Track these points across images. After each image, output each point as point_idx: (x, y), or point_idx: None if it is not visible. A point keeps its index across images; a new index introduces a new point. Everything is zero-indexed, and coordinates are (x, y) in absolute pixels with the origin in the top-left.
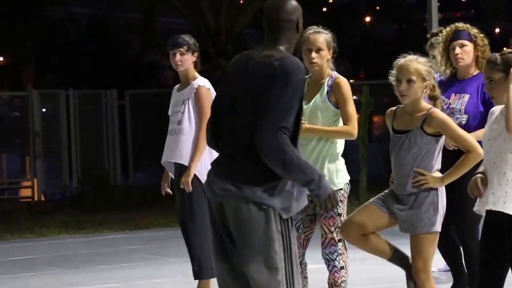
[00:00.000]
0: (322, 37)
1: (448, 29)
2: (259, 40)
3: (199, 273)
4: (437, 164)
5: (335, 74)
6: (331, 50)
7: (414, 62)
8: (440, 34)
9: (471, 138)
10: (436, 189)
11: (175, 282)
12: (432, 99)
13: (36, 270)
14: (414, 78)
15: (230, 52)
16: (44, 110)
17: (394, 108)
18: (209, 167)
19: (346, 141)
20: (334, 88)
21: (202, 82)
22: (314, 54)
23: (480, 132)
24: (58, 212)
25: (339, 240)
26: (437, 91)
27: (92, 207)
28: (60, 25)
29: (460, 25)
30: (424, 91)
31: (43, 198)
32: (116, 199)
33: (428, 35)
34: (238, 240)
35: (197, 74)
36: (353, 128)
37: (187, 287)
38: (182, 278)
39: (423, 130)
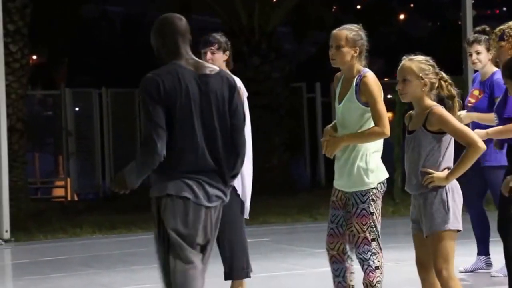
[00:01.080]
0: (344, 34)
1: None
2: (291, 38)
3: (230, 274)
4: (446, 162)
5: (364, 71)
6: (356, 48)
7: (408, 61)
8: (485, 31)
9: (471, 132)
10: (444, 187)
11: (209, 283)
12: (449, 98)
13: (69, 270)
14: (408, 77)
15: (263, 50)
16: (77, 109)
17: (412, 111)
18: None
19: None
20: (361, 86)
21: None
22: (333, 51)
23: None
24: (91, 212)
25: (373, 240)
26: (450, 90)
27: (124, 207)
28: (94, 24)
29: None
30: (423, 89)
31: (76, 198)
32: (149, 199)
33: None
34: None
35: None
36: (384, 127)
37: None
38: (216, 279)
39: (425, 129)
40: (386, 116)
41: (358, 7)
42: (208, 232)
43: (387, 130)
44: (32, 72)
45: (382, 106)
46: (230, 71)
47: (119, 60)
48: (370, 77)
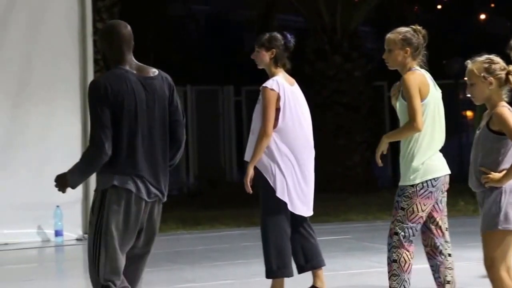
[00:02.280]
0: (391, 37)
1: None
2: (373, 37)
3: (269, 273)
4: (505, 163)
5: (411, 70)
6: (407, 48)
7: (470, 65)
8: None
9: None
10: (501, 188)
11: (290, 280)
12: None
13: (154, 266)
14: (473, 80)
15: (345, 49)
16: None
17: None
18: (285, 168)
19: (462, 139)
20: (402, 84)
21: (269, 82)
22: (385, 55)
23: None
24: (175, 208)
25: (395, 233)
26: None
27: (208, 203)
28: (179, 22)
29: None
30: (490, 87)
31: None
32: (232, 195)
33: None
34: None
35: (276, 72)
36: (414, 122)
37: (303, 285)
38: (297, 276)
39: (488, 128)
40: (419, 111)
41: (439, 7)
42: (144, 227)
43: (418, 125)
44: None
45: (414, 103)
46: (288, 69)
47: (204, 58)
48: (409, 75)
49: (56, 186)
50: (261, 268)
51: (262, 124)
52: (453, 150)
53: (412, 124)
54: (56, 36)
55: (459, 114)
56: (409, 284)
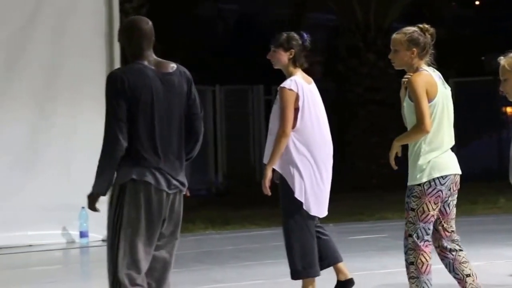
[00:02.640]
0: (397, 38)
1: None
2: None
3: (294, 273)
4: None
5: (419, 70)
6: (413, 49)
7: (502, 61)
8: None
9: None
10: None
11: (321, 280)
12: None
13: (182, 266)
14: (505, 76)
15: (379, 47)
16: None
17: None
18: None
19: (502, 135)
20: (408, 86)
21: (287, 82)
22: (390, 55)
23: None
24: (203, 208)
25: (409, 235)
26: None
27: (237, 202)
28: (208, 22)
29: None
30: None
31: (188, 194)
32: (262, 194)
33: None
34: None
35: (294, 72)
36: (422, 124)
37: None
38: (331, 275)
39: None
40: (426, 114)
41: (477, 3)
42: (167, 217)
43: (426, 128)
44: None
45: (422, 105)
46: (306, 69)
47: (233, 58)
48: (415, 76)
49: (89, 208)
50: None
51: (280, 124)
52: (493, 146)
53: (420, 127)
54: (83, 37)
55: (498, 110)
56: (430, 284)
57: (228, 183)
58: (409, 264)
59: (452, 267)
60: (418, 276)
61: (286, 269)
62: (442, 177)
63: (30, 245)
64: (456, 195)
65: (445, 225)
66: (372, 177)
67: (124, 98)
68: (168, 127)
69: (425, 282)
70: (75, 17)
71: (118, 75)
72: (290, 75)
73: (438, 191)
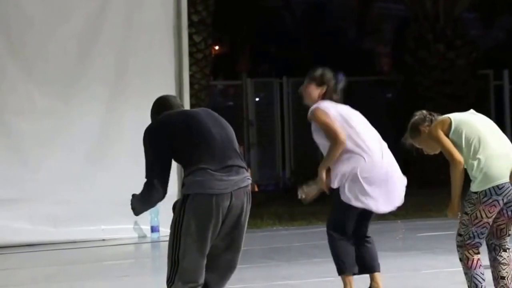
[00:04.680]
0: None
1: None
2: (478, 24)
3: (338, 269)
4: None
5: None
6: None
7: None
8: None
9: None
10: None
11: (388, 278)
12: None
13: (250, 262)
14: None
15: (448, 37)
16: (257, 99)
17: None
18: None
19: None
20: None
21: (313, 106)
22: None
23: None
24: (271, 203)
25: (459, 234)
26: None
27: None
28: (275, 13)
29: None
30: None
31: (256, 189)
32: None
33: None
34: None
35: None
36: (452, 160)
37: (404, 281)
38: (398, 273)
39: None
40: (453, 151)
41: None
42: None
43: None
44: (214, 62)
45: (447, 147)
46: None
47: (300, 49)
48: (433, 131)
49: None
50: None
51: (332, 137)
52: None
53: (453, 163)
54: (151, 28)
55: None
56: (482, 279)
57: (295, 179)
58: (459, 260)
59: (492, 263)
60: (467, 272)
61: None
62: (498, 186)
63: (103, 240)
64: None
65: (502, 225)
66: (440, 173)
67: (167, 143)
68: (223, 139)
69: (474, 277)
70: (144, 8)
71: (151, 127)
72: None
73: (494, 201)
